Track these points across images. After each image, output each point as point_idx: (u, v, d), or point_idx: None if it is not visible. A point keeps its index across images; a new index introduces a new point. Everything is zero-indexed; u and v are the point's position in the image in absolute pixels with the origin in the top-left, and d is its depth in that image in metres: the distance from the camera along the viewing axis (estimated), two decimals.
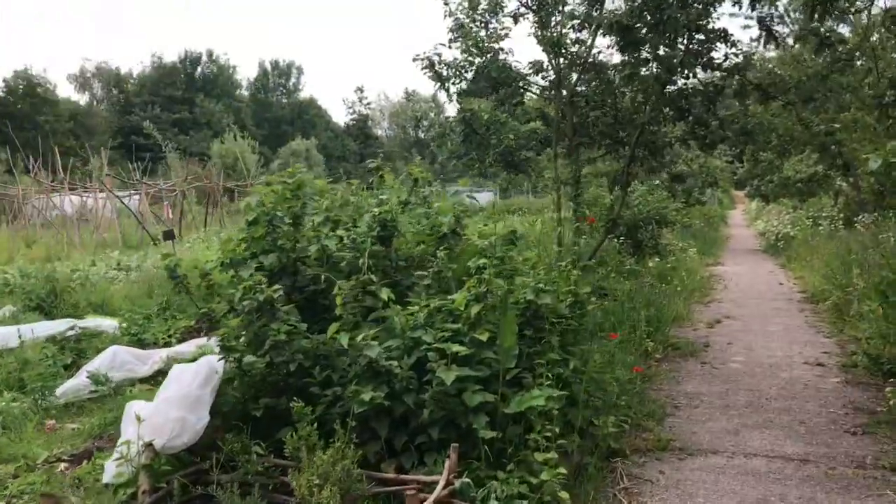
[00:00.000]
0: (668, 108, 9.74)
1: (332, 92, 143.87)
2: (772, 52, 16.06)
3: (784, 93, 10.38)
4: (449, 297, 5.38)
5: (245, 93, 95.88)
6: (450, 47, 10.59)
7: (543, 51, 10.49)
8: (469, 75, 10.42)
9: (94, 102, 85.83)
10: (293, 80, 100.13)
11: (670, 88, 9.69)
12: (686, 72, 9.61)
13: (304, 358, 5.15)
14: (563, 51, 10.41)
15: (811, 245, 20.29)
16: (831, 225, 22.37)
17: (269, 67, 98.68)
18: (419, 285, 5.81)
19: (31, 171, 32.37)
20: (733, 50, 9.84)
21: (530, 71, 10.69)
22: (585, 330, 6.53)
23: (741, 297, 14.37)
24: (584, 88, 10.52)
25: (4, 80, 67.11)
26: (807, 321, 11.78)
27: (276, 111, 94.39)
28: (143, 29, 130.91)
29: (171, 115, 78.49)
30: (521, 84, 10.65)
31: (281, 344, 5.13)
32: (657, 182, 14.41)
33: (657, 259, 15.65)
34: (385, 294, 5.44)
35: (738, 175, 44.38)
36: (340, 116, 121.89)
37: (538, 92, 10.80)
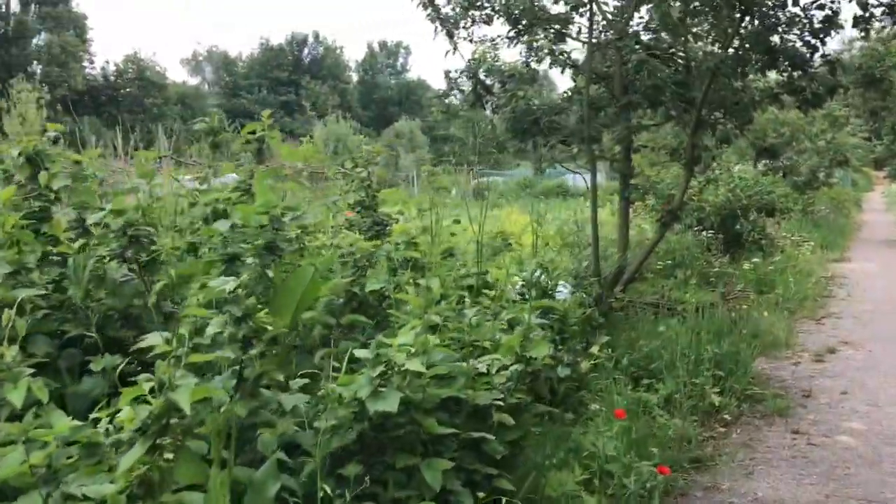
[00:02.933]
0: (748, 46, 6.64)
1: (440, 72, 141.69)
2: None
3: None
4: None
5: (353, 75, 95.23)
6: None
7: None
8: (480, 13, 7.66)
9: (207, 86, 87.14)
10: (401, 60, 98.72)
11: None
12: None
13: None
14: None
15: None
16: None
17: (376, 48, 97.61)
18: None
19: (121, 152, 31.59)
20: None
21: (566, 8, 7.77)
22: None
23: (869, 312, 10.92)
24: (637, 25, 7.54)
25: (115, 65, 68.44)
26: None
27: (384, 92, 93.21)
28: (254, 11, 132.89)
29: (278, 97, 78.50)
30: (551, 26, 7.79)
31: None
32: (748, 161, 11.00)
33: (759, 258, 12.35)
34: None
35: (876, 153, 39.30)
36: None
37: (575, 36, 7.89)
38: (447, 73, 7.93)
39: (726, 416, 6.17)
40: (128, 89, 66.70)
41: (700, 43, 7.54)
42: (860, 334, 9.39)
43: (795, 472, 5.17)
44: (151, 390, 2.51)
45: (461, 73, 7.91)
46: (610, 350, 6.46)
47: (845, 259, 17.06)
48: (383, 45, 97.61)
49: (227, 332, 2.90)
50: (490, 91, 7.88)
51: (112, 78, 68.00)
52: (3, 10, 60.85)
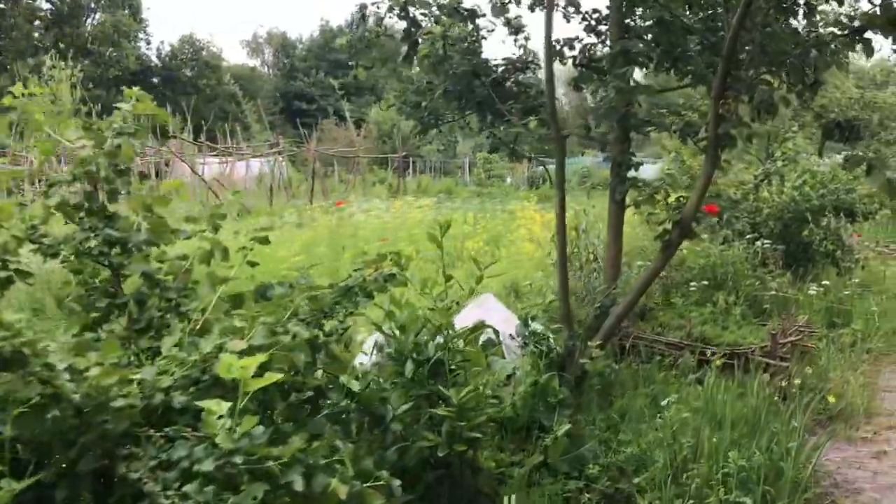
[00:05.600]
0: None
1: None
2: None
3: None
4: None
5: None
6: None
7: None
8: None
9: (266, 68, 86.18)
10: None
11: None
12: None
13: None
14: None
15: None
16: None
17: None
18: None
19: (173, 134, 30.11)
20: None
21: None
22: None
23: None
24: None
25: (170, 45, 67.73)
26: None
27: None
28: None
29: (335, 79, 76.83)
30: None
31: None
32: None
33: (832, 275, 9.50)
34: None
35: None
36: None
37: None
38: (362, 6, 5.40)
39: None
40: (182, 70, 65.84)
41: None
42: None
43: None
44: None
45: (389, 8, 5.40)
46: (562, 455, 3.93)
47: None
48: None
49: None
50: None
51: (167, 59, 67.23)
52: None
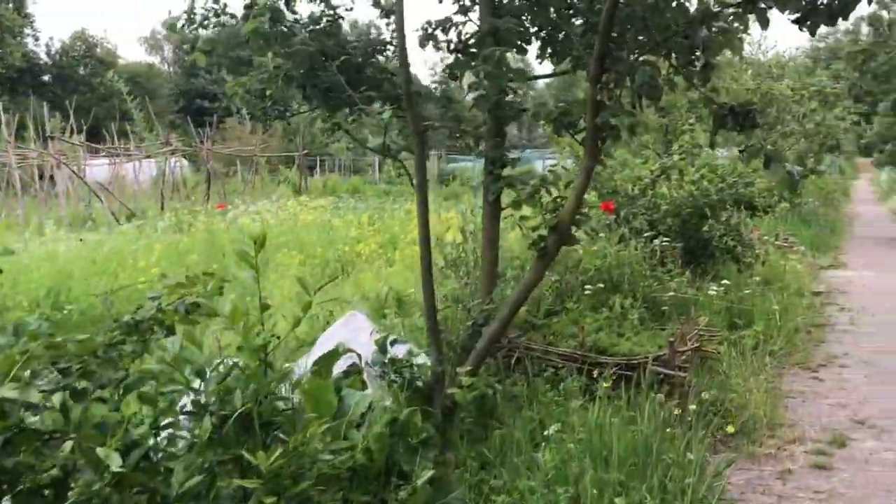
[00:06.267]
0: None
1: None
2: None
3: None
4: None
5: None
6: None
7: None
8: None
9: (167, 66, 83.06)
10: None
11: None
12: None
13: None
14: None
15: None
16: None
17: (347, 28, 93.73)
18: None
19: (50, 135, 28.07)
20: None
21: None
22: None
23: (885, 353, 7.76)
24: None
25: (61, 42, 64.42)
26: None
27: None
28: None
29: (239, 77, 74.58)
30: None
31: None
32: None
33: (733, 272, 9.16)
34: None
35: (865, 138, 36.47)
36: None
37: None
38: None
39: None
40: (75, 68, 62.67)
41: None
42: (880, 401, 6.22)
43: None
44: None
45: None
46: None
47: (840, 265, 13.91)
48: (354, 24, 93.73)
49: None
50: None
51: (58, 56, 63.88)
52: None
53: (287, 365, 4.38)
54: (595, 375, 5.56)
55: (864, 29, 20.97)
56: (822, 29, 3.69)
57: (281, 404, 2.98)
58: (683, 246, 8.71)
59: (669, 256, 8.42)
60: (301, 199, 16.69)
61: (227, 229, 12.17)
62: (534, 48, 5.32)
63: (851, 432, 5.55)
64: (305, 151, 31.12)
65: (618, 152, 9.34)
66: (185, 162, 29.16)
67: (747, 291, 8.32)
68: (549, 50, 5.05)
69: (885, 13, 17.90)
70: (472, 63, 4.86)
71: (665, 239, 8.47)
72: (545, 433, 4.31)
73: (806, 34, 3.51)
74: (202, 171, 28.80)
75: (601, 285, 7.26)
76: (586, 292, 7.19)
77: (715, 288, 7.93)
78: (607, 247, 7.93)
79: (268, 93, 4.81)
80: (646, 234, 8.49)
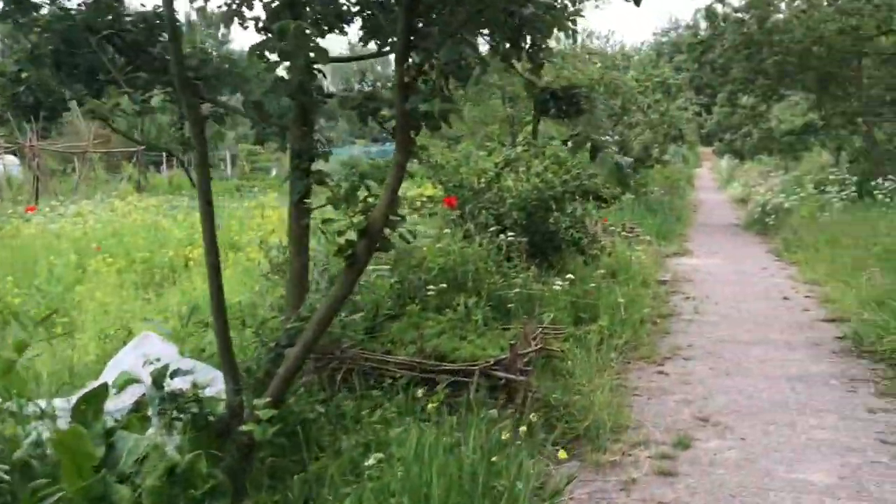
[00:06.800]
0: None
1: None
2: None
3: None
4: None
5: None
6: None
7: None
8: None
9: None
10: (222, 28, 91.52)
11: None
12: None
13: None
14: None
15: (820, 224, 13.87)
16: (842, 193, 15.85)
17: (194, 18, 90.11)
18: None
19: None
20: None
21: None
22: None
23: (729, 344, 7.75)
24: None
25: None
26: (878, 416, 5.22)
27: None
28: None
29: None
30: None
31: None
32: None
33: (579, 265, 8.99)
34: None
35: (706, 128, 38.20)
36: None
37: None
38: None
39: None
40: None
41: None
42: (724, 395, 6.11)
43: None
44: None
45: None
46: None
47: (686, 252, 14.21)
48: (202, 13, 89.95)
49: None
50: None
51: None
52: None
53: (55, 402, 3.66)
54: (436, 385, 5.13)
55: (703, 24, 21.74)
56: (665, 23, 3.34)
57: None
58: (529, 240, 8.42)
59: (516, 251, 8.10)
60: (129, 198, 15.42)
61: (42, 234, 10.95)
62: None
63: (696, 431, 5.36)
64: (143, 146, 29.21)
65: (462, 145, 8.94)
66: (12, 159, 26.88)
67: (592, 285, 8.13)
68: (370, 29, 4.52)
69: (719, 7, 18.56)
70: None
71: (511, 233, 8.14)
72: (368, 462, 3.80)
73: (650, 28, 3.18)
74: (32, 170, 26.58)
75: (444, 285, 6.82)
76: (429, 293, 6.73)
77: (560, 282, 7.67)
78: (451, 244, 7.51)
79: (23, 75, 4.01)
80: (491, 229, 8.13)
